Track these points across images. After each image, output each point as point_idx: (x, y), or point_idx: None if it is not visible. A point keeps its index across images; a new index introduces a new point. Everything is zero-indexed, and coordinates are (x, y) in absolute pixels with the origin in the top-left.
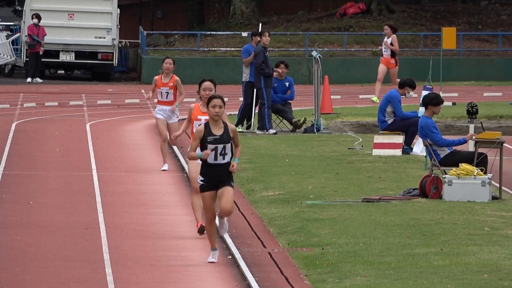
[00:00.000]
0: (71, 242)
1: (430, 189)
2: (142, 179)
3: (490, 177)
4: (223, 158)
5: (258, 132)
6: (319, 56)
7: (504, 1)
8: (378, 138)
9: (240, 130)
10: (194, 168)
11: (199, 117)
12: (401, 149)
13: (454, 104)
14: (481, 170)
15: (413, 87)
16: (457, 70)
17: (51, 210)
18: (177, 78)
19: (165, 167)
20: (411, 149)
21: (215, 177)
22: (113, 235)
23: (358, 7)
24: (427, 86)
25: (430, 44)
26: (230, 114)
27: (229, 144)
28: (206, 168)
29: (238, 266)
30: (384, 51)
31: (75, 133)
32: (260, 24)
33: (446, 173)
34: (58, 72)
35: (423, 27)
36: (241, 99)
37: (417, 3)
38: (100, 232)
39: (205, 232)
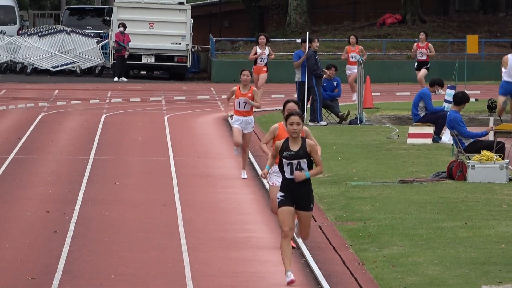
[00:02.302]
0: (151, 216)
1: (456, 172)
2: (211, 164)
3: (507, 162)
4: None
5: (310, 123)
6: (361, 59)
7: None
8: (412, 129)
9: None
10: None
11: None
12: (431, 138)
13: (476, 100)
14: (500, 156)
15: (441, 85)
16: (479, 72)
17: (134, 189)
18: (255, 89)
19: (244, 174)
20: (440, 138)
21: (294, 192)
22: (187, 211)
23: (395, 17)
24: (450, 85)
25: (456, 49)
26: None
27: (305, 159)
28: (285, 183)
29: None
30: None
31: (155, 124)
32: (307, 33)
33: (469, 159)
34: (141, 72)
35: (450, 35)
36: (295, 95)
37: (445, 14)
38: (176, 208)
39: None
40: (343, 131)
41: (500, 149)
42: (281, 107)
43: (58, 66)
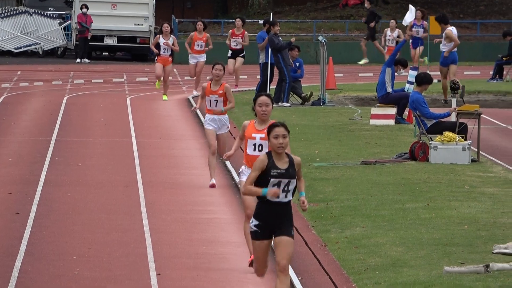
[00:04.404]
0: (114, 197)
1: (418, 153)
2: (174, 145)
3: (469, 143)
4: (285, 196)
5: (285, 104)
6: (324, 41)
7: None
8: (375, 110)
9: None
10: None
11: (253, 135)
12: (394, 120)
13: (439, 81)
14: (462, 137)
15: (405, 66)
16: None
17: (96, 170)
18: (227, 85)
19: (213, 181)
20: (403, 119)
21: (273, 220)
22: (149, 192)
23: None
24: (413, 67)
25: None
26: (250, 90)
27: (294, 180)
28: (264, 208)
29: None
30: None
31: (117, 105)
32: (271, 14)
33: (432, 140)
34: (103, 54)
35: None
36: (258, 77)
37: None
38: (138, 189)
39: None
40: (305, 112)
41: (462, 130)
42: (245, 89)
43: (20, 48)
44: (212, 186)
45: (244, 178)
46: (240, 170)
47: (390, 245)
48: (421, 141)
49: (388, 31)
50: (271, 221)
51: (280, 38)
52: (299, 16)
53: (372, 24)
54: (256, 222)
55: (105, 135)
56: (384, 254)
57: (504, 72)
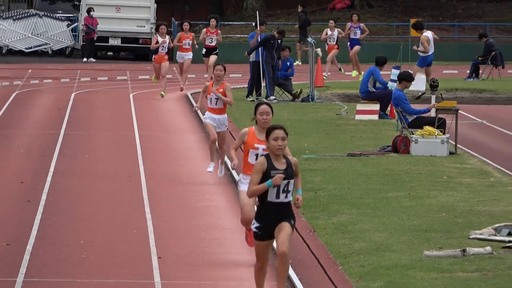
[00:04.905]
0: (118, 187)
1: (400, 146)
2: (174, 138)
3: (447, 137)
4: (286, 196)
5: (271, 98)
6: (313, 42)
7: None
8: (360, 106)
9: (251, 99)
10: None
11: (256, 145)
12: (378, 115)
13: None
14: (441, 131)
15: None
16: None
17: (102, 162)
18: (227, 84)
19: (211, 167)
20: (386, 115)
21: (274, 220)
22: (151, 181)
23: (344, 2)
24: (395, 66)
25: (401, 32)
26: (242, 87)
27: (293, 180)
28: (265, 209)
29: None
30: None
31: (121, 101)
32: (258, 16)
33: (413, 134)
34: (108, 53)
35: (396, 19)
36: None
37: None
38: (141, 179)
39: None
40: (296, 108)
41: (441, 125)
42: (239, 86)
43: (31, 48)
44: (213, 171)
45: (243, 187)
46: (238, 179)
47: (374, 231)
48: (403, 135)
49: (328, 30)
50: (272, 222)
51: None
52: (290, 19)
53: (302, 25)
54: (257, 224)
55: (110, 129)
56: (368, 239)
57: (480, 71)
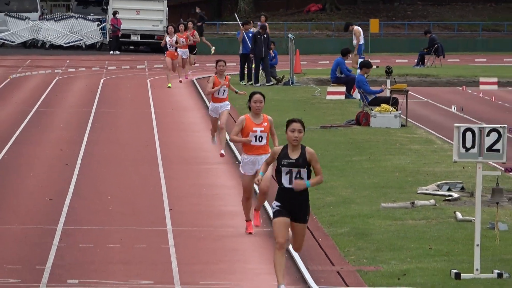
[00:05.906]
0: (138, 153)
1: (362, 120)
2: (183, 114)
3: (400, 112)
4: None
5: (256, 85)
6: (292, 37)
7: (409, 2)
8: (330, 88)
9: (244, 83)
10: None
11: (254, 128)
12: (344, 96)
13: (377, 67)
14: (394, 108)
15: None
16: (379, 46)
17: (125, 132)
18: (229, 77)
19: (222, 152)
20: (351, 95)
21: (291, 202)
22: (164, 149)
23: (317, 6)
24: (361, 56)
25: (363, 29)
26: (236, 74)
27: (305, 169)
28: (282, 192)
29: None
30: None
31: (140, 85)
32: (236, 16)
33: (372, 110)
34: (130, 47)
35: (358, 19)
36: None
37: (354, 3)
38: (156, 147)
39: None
40: (279, 90)
41: (394, 103)
42: (233, 73)
43: (68, 43)
44: (221, 155)
45: (243, 171)
46: (241, 160)
47: (341, 187)
48: (364, 111)
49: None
50: (290, 204)
51: (250, 34)
52: (274, 19)
53: (199, 24)
54: (278, 203)
55: (131, 107)
56: (337, 194)
57: (425, 60)
